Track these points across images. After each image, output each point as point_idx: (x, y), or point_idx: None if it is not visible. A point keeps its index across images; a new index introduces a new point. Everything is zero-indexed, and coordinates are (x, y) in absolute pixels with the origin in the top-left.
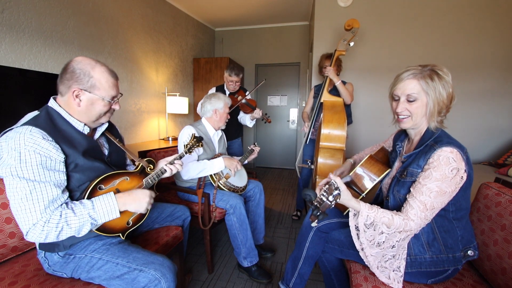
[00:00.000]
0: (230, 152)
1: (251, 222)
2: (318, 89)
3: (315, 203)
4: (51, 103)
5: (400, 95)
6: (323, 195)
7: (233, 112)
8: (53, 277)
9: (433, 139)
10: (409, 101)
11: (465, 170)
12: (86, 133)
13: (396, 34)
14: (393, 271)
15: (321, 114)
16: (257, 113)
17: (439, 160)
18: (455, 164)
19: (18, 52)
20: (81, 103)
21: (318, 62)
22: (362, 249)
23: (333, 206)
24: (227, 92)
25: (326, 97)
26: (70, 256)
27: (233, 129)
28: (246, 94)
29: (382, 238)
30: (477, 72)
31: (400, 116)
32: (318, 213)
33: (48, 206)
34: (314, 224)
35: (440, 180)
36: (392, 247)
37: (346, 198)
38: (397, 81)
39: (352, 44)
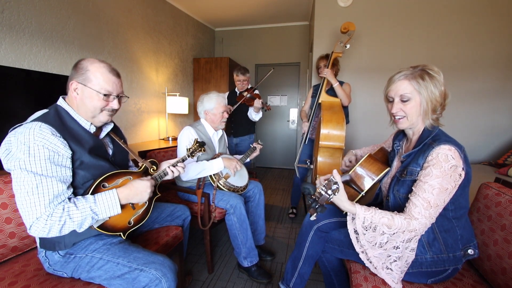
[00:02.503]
0: (240, 149)
1: (251, 223)
2: (317, 89)
3: (314, 197)
4: (60, 101)
5: (394, 96)
6: (322, 189)
7: (243, 109)
8: (53, 277)
9: (431, 138)
10: (403, 102)
11: (463, 168)
12: (92, 132)
13: (396, 34)
14: (400, 273)
15: (319, 114)
16: (257, 102)
17: (438, 158)
18: (454, 162)
19: (18, 52)
20: (78, 97)
21: (315, 63)
22: (363, 252)
23: (331, 199)
24: (238, 92)
25: (324, 97)
26: (71, 256)
27: (243, 126)
28: (254, 89)
29: (384, 239)
30: (477, 72)
31: (396, 117)
32: (316, 206)
33: (52, 201)
34: (313, 218)
35: (441, 177)
36: (396, 248)
37: (340, 199)
38: (390, 83)
39: (348, 46)
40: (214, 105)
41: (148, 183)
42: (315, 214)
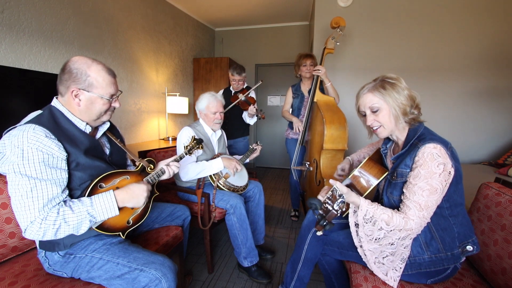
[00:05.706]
0: (234, 151)
1: (250, 222)
2: (297, 89)
3: (321, 212)
4: (54, 102)
5: (365, 110)
6: (328, 203)
7: (237, 111)
8: (53, 277)
9: (417, 138)
10: (374, 112)
11: (451, 165)
12: (88, 132)
13: (397, 34)
14: (392, 269)
15: (311, 114)
16: (251, 109)
17: (424, 157)
18: (441, 160)
19: (18, 52)
20: (81, 103)
21: (296, 62)
22: (361, 246)
23: (338, 215)
24: (233, 92)
25: (318, 96)
26: (71, 256)
27: (237, 128)
28: (248, 92)
29: (381, 234)
30: (477, 72)
31: (373, 128)
32: (324, 223)
33: (47, 204)
34: (319, 233)
35: (429, 177)
36: (391, 244)
37: (347, 193)
38: (357, 99)
39: (338, 43)
40: (204, 105)
41: (145, 187)
42: (322, 231)
